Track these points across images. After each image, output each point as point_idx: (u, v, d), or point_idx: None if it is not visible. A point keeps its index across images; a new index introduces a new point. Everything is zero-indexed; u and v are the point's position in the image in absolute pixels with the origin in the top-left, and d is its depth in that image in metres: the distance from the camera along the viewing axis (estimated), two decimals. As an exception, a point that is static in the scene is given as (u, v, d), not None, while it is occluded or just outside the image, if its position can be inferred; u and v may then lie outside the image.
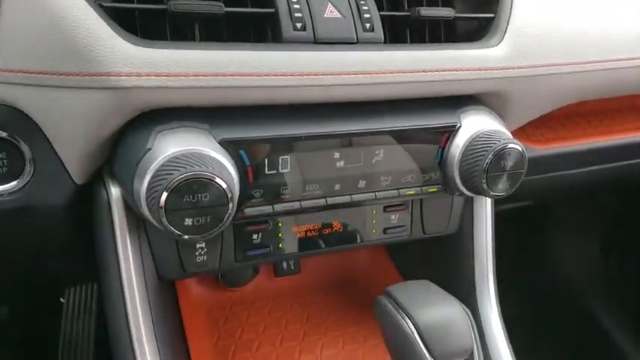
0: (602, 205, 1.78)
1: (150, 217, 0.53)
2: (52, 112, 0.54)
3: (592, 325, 1.76)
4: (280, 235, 0.69)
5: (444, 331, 0.58)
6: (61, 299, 1.38)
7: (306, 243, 0.71)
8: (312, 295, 0.96)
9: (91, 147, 0.57)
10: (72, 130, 0.55)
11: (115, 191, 0.60)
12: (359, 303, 0.94)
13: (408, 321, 0.58)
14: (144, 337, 0.62)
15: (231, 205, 0.53)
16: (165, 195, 0.50)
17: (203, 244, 0.64)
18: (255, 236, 0.68)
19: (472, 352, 0.59)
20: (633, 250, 1.76)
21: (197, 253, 0.64)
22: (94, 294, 1.40)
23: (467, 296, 0.79)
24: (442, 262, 0.85)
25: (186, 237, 0.52)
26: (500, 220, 0.92)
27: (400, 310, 0.59)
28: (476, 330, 0.60)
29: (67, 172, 0.60)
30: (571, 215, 1.78)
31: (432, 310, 0.59)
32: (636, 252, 1.75)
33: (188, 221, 0.51)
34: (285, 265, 0.96)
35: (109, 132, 0.56)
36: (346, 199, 0.65)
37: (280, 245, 0.70)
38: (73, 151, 0.58)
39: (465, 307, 0.62)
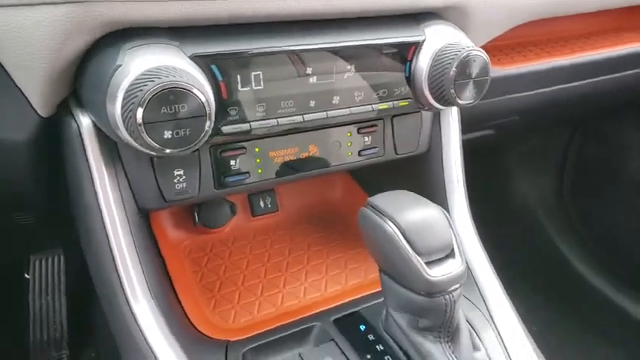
0: (556, 137, 1.87)
1: (128, 138, 0.52)
2: (6, 34, 0.52)
3: (552, 254, 1.88)
4: (258, 160, 0.70)
5: (425, 229, 0.60)
6: (26, 275, 1.35)
7: (284, 168, 0.72)
8: (292, 231, 0.97)
9: (51, 72, 0.55)
10: (29, 53, 0.53)
11: (84, 120, 0.59)
12: (338, 233, 0.96)
13: (391, 223, 0.60)
14: (130, 268, 0.62)
15: (209, 119, 0.53)
16: (141, 110, 0.49)
17: (181, 171, 0.64)
18: (232, 162, 0.68)
19: (452, 248, 0.61)
20: (584, 178, 1.87)
21: (176, 181, 0.64)
22: (60, 266, 1.37)
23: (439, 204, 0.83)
24: (413, 182, 0.87)
25: (167, 151, 0.52)
26: (465, 153, 0.95)
27: (382, 215, 0.61)
28: (455, 228, 0.63)
29: (30, 103, 0.57)
30: (528, 146, 1.87)
31: (412, 212, 0.61)
32: (586, 180, 1.86)
33: (167, 134, 0.51)
34: (262, 204, 0.97)
35: (70, 54, 0.54)
36: (322, 115, 0.66)
37: (259, 171, 0.70)
38: (33, 78, 0.55)
39: (443, 209, 0.65)
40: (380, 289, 0.66)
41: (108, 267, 0.62)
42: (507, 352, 0.70)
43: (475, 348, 0.67)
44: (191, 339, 0.68)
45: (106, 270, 0.62)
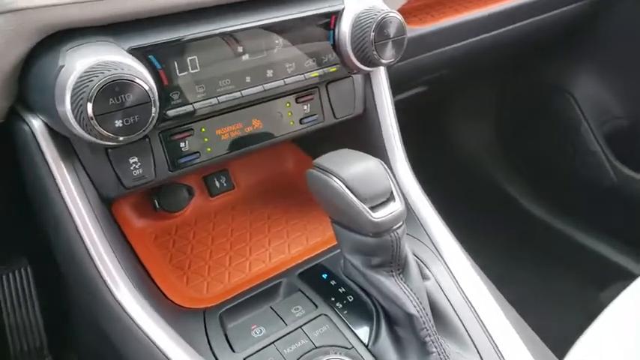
0: (490, 85, 1.99)
1: (82, 132, 0.56)
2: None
3: (496, 193, 2.02)
4: (206, 139, 0.75)
5: (365, 178, 0.67)
6: None
7: (231, 144, 0.77)
8: (250, 205, 1.03)
9: None
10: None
11: (36, 123, 0.62)
12: (294, 201, 1.02)
13: (335, 178, 0.67)
14: (105, 257, 0.66)
15: (154, 106, 0.58)
16: (90, 104, 0.54)
17: (136, 159, 0.68)
18: (182, 144, 0.72)
19: (392, 192, 0.69)
20: (520, 121, 2.00)
21: (132, 168, 0.68)
22: (29, 277, 1.39)
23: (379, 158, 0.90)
24: (355, 143, 0.94)
25: (121, 138, 0.56)
26: (402, 109, 1.03)
27: (327, 173, 0.68)
28: (392, 175, 0.71)
29: None
30: (464, 99, 1.98)
31: (353, 166, 0.68)
32: (522, 123, 1.99)
33: (118, 123, 0.55)
34: (217, 184, 1.02)
35: (13, 60, 0.57)
36: (259, 89, 0.71)
37: (208, 149, 0.75)
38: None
39: (381, 160, 0.72)
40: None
41: (84, 260, 0.66)
42: (454, 278, 0.79)
43: (425, 278, 0.76)
44: (172, 313, 0.73)
45: (83, 264, 0.66)
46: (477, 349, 0.70)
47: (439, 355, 0.65)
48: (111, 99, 0.54)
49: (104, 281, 0.66)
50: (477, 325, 0.73)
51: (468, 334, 0.72)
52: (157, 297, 0.75)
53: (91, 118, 0.54)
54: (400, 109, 0.99)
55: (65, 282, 0.82)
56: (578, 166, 1.86)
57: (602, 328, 1.02)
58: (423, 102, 1.68)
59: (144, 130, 0.58)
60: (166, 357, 0.63)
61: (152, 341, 0.65)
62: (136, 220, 0.94)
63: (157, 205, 0.93)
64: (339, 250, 0.78)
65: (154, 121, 0.58)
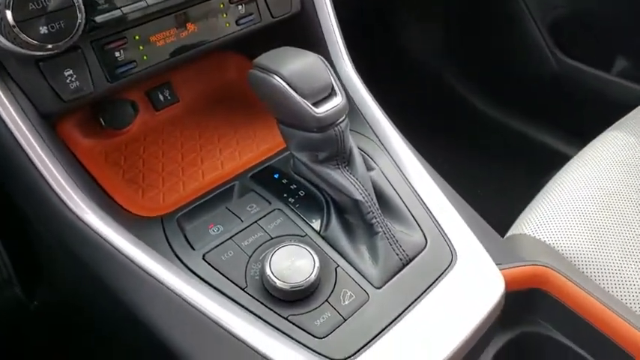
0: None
1: (7, 43, 0.54)
2: None
3: (443, 90, 2.06)
4: (141, 48, 0.73)
5: (306, 75, 0.69)
6: None
7: (167, 50, 0.76)
8: (197, 117, 1.02)
9: None
10: None
11: None
12: (242, 110, 1.03)
13: (276, 76, 0.68)
14: (58, 177, 0.66)
15: (79, 11, 0.56)
16: (9, 12, 0.52)
17: (70, 71, 0.67)
18: (117, 54, 0.71)
19: (332, 87, 0.71)
20: (466, 19, 2.00)
21: (68, 81, 0.67)
22: None
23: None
24: (297, 43, 0.93)
25: (49, 46, 0.55)
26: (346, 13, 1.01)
27: (268, 72, 0.69)
28: (332, 71, 0.72)
29: None
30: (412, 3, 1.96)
31: (293, 63, 0.69)
32: (468, 21, 2.00)
33: (43, 29, 0.54)
34: (161, 97, 1.01)
35: None
36: (188, -12, 0.69)
37: (145, 57, 0.74)
38: None
39: (321, 56, 0.73)
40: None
41: (34, 180, 0.65)
42: (398, 167, 0.84)
43: (370, 169, 0.80)
44: (131, 222, 0.75)
45: (36, 187, 0.66)
46: (420, 227, 0.76)
47: (385, 234, 0.71)
48: (31, 4, 0.52)
49: (64, 202, 0.66)
50: (419, 206, 0.79)
51: (412, 214, 0.77)
52: (114, 209, 0.77)
53: (13, 26, 0.52)
54: (344, 12, 0.97)
55: (23, 210, 0.82)
56: (522, 58, 1.91)
57: (539, 205, 1.11)
58: (369, 3, 1.65)
59: (72, 37, 0.56)
60: (128, 259, 0.66)
61: (115, 247, 0.68)
62: (83, 139, 0.93)
63: (103, 123, 0.92)
64: (288, 152, 0.81)
65: (82, 27, 0.57)
